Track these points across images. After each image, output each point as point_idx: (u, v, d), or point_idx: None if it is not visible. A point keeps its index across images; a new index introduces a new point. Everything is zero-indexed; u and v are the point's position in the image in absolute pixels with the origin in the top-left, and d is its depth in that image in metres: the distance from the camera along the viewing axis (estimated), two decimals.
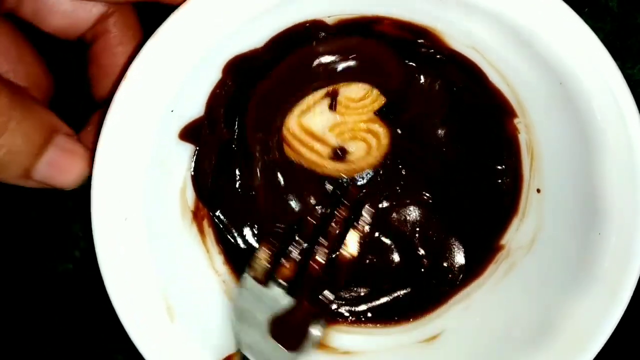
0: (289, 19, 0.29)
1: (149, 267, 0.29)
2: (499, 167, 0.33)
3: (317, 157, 0.33)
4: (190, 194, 0.33)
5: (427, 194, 0.35)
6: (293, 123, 0.33)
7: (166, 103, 0.28)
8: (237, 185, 0.34)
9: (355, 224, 0.34)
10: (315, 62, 0.31)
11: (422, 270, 0.35)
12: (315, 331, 0.32)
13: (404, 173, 0.35)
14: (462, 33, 0.30)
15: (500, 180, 0.34)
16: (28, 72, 0.30)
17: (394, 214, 0.35)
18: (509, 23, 0.27)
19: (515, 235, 0.34)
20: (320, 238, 0.33)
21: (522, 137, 0.32)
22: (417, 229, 0.35)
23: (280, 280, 0.33)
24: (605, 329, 0.28)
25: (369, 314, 0.35)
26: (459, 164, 0.34)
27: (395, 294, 0.36)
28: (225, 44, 0.28)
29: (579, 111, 0.28)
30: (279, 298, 0.32)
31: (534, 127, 0.32)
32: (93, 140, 0.28)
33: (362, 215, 0.34)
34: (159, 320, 0.30)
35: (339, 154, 0.33)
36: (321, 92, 0.32)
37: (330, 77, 0.31)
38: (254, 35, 0.30)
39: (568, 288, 0.30)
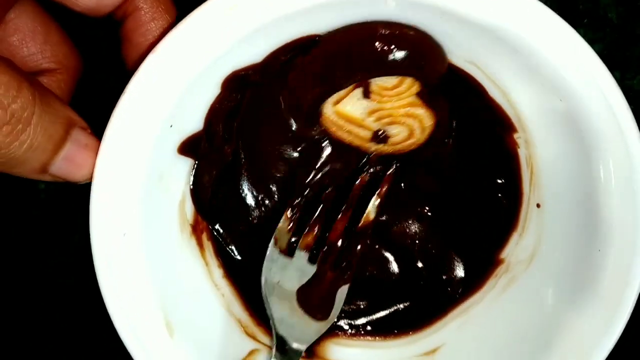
0: (287, 35, 0.29)
1: (147, 282, 0.29)
2: (499, 181, 0.33)
3: (359, 140, 0.33)
4: (189, 208, 0.33)
5: (427, 208, 0.35)
6: (329, 110, 0.32)
7: (165, 118, 0.28)
8: (237, 198, 0.34)
9: (376, 190, 0.34)
10: (375, 45, 0.29)
11: (422, 283, 0.35)
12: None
13: (403, 186, 0.34)
14: (461, 49, 0.30)
15: (500, 195, 0.33)
16: (56, 52, 0.30)
17: (394, 227, 0.35)
18: (508, 40, 0.27)
19: (515, 250, 0.33)
20: (343, 207, 0.33)
21: (522, 152, 0.32)
22: (417, 242, 0.35)
23: (303, 250, 0.33)
24: (605, 346, 0.28)
25: (369, 327, 0.35)
26: (458, 177, 0.34)
27: (395, 307, 0.36)
28: (223, 60, 0.28)
29: (579, 127, 0.28)
30: (303, 268, 0.33)
31: (534, 142, 0.32)
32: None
33: (383, 180, 0.34)
34: (158, 335, 0.30)
35: (381, 136, 0.33)
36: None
37: (377, 66, 0.30)
38: (252, 50, 0.29)
39: (568, 304, 0.30)
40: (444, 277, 0.35)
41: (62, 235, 0.40)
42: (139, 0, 0.29)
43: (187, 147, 0.31)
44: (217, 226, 0.34)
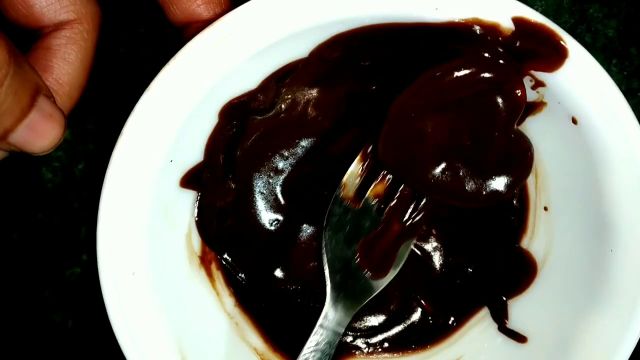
0: (279, 60, 0.29)
1: (160, 318, 0.29)
2: None
3: None
4: (196, 239, 0.33)
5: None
6: None
7: (165, 154, 0.28)
8: (243, 226, 0.34)
9: None
10: None
11: (437, 293, 0.35)
12: None
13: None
14: None
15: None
16: (74, 1, 0.27)
17: None
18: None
19: None
20: None
21: None
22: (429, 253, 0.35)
23: (374, 199, 0.31)
24: (625, 345, 0.28)
25: (386, 344, 0.35)
26: None
27: (410, 321, 0.35)
28: (217, 91, 0.28)
29: (580, 129, 0.28)
30: (369, 217, 0.31)
31: (536, 146, 0.31)
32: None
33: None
34: None
35: None
36: None
37: None
38: (246, 78, 0.30)
39: (584, 305, 0.29)
40: (458, 283, 0.34)
41: (70, 227, 0.39)
42: None
43: (190, 180, 0.31)
44: (225, 255, 0.34)
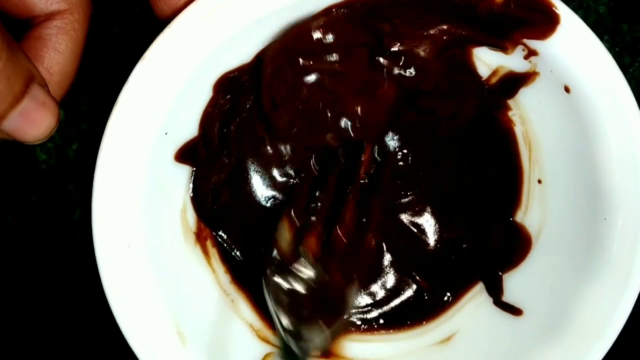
0: (273, 32, 0.29)
1: (156, 293, 0.29)
2: (497, 161, 0.33)
3: None
4: (191, 216, 0.33)
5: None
6: None
7: (159, 126, 0.28)
8: (239, 202, 0.34)
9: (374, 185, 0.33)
10: None
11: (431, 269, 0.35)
12: None
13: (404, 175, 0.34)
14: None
15: (499, 174, 0.33)
16: None
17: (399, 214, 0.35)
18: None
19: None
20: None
21: (518, 129, 0.32)
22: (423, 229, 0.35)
23: (308, 253, 0.31)
24: (620, 314, 0.28)
25: (381, 320, 0.35)
26: (456, 162, 0.34)
27: (406, 298, 0.35)
28: (213, 62, 0.28)
29: (573, 98, 0.28)
30: (309, 272, 0.31)
31: (529, 118, 0.32)
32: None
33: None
34: (171, 346, 0.29)
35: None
36: None
37: None
38: (241, 51, 0.30)
39: (579, 276, 0.30)
40: (452, 259, 0.35)
41: (64, 209, 0.39)
42: None
43: (184, 154, 0.31)
44: (220, 232, 0.34)
